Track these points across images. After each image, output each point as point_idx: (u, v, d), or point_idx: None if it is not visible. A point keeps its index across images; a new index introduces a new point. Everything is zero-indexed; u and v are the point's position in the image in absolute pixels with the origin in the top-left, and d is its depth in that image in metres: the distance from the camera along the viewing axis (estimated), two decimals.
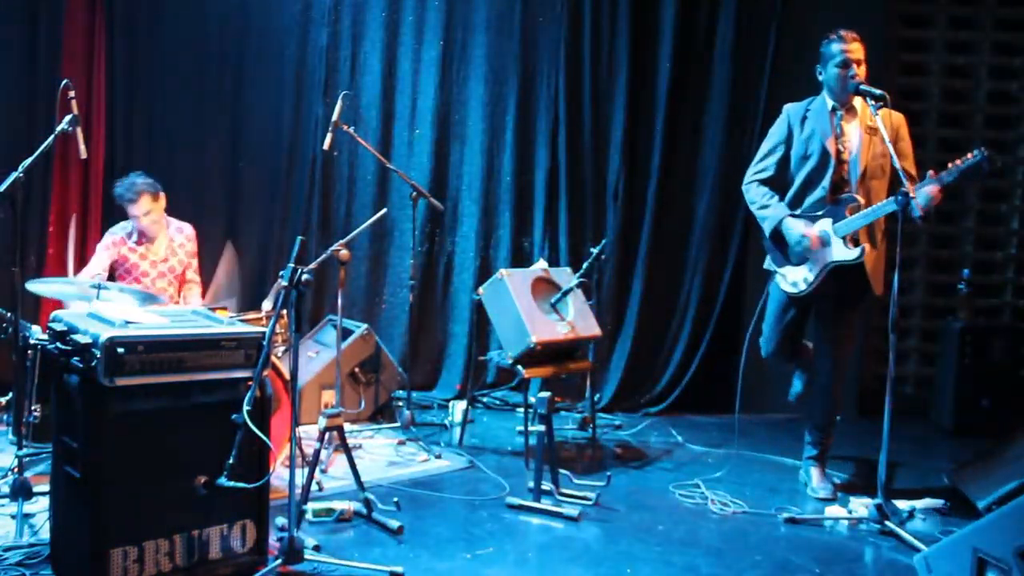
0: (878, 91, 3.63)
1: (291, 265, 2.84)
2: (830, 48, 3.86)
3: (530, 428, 4.43)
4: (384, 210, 4.80)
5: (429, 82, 5.89)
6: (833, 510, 3.81)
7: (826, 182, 3.86)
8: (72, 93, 3.52)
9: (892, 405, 3.56)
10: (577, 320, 4.66)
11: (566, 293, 4.65)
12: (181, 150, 5.66)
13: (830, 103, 3.91)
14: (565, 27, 5.79)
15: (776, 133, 4.04)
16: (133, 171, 4.69)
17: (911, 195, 3.46)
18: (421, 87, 5.91)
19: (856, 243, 3.81)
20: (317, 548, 3.13)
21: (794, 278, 3.97)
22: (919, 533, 3.53)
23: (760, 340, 4.23)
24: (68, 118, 3.48)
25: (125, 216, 4.70)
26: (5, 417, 4.11)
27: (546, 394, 3.79)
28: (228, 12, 5.73)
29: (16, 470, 3.33)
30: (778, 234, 3.95)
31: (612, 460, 4.65)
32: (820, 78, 3.94)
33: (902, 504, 3.80)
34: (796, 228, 3.87)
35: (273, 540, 2.99)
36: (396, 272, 5.95)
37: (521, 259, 5.83)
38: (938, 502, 3.89)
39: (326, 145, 4.62)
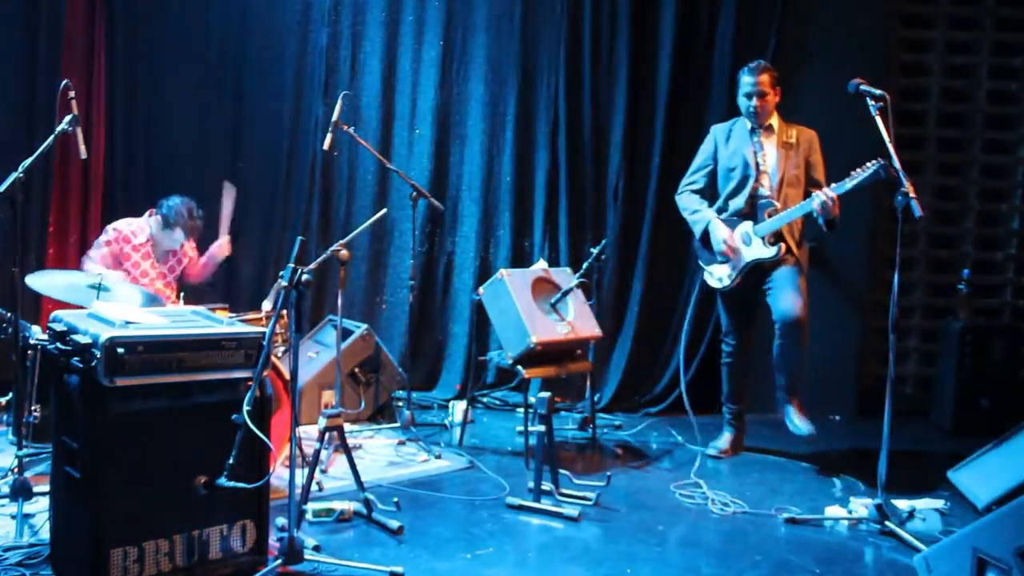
0: (878, 91, 3.63)
1: (291, 265, 2.83)
2: (739, 79, 4.47)
3: (530, 428, 4.43)
4: (384, 210, 4.80)
5: (429, 82, 5.89)
6: (833, 510, 3.81)
7: (748, 190, 4.44)
8: (72, 93, 3.52)
9: (892, 405, 3.57)
10: (577, 320, 4.66)
11: (566, 293, 4.65)
12: (181, 150, 5.66)
13: (749, 124, 4.49)
14: (565, 27, 5.79)
15: (704, 150, 4.65)
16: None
17: (911, 194, 3.48)
18: (421, 87, 5.91)
19: (773, 243, 4.35)
20: (317, 548, 3.13)
21: (719, 274, 4.54)
22: (919, 533, 3.53)
23: (722, 343, 4.74)
24: (68, 118, 3.48)
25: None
26: (5, 417, 4.11)
27: (546, 394, 3.79)
28: (228, 12, 5.73)
29: (16, 470, 3.33)
30: (705, 236, 4.53)
31: (612, 460, 4.65)
32: (739, 103, 4.48)
33: (902, 504, 3.80)
34: (719, 232, 4.45)
35: (273, 540, 2.99)
36: (396, 272, 5.94)
37: (521, 259, 5.83)
38: (938, 502, 3.89)
39: (326, 145, 4.62)
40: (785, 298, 4.31)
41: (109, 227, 4.62)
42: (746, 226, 4.42)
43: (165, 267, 4.67)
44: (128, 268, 4.57)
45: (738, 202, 4.46)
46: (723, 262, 4.49)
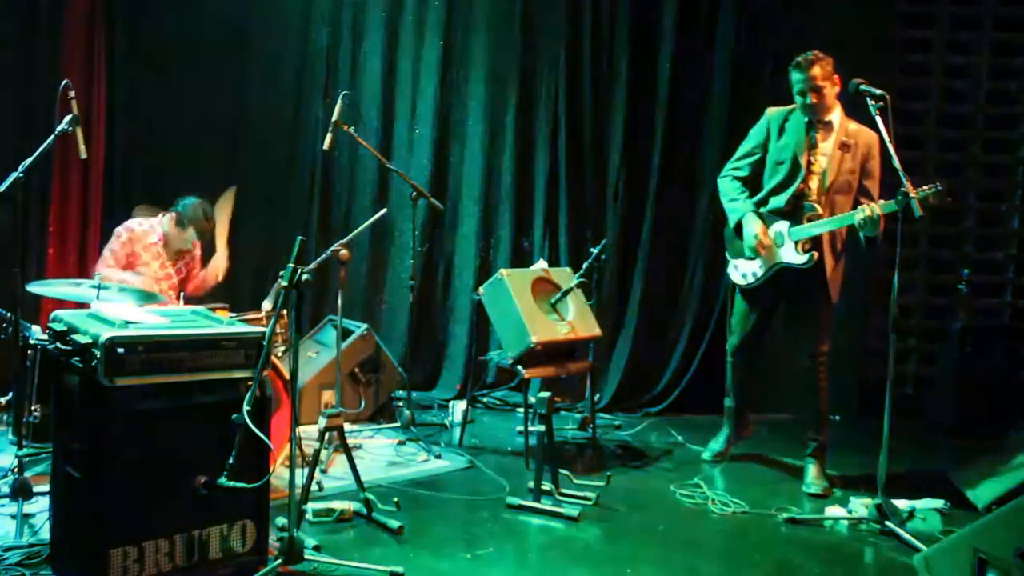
0: (878, 91, 3.63)
1: (291, 265, 2.83)
2: (790, 77, 4.08)
3: (530, 428, 4.43)
4: (384, 210, 4.80)
5: (429, 82, 5.90)
6: (833, 510, 3.81)
7: (793, 189, 4.09)
8: (72, 93, 3.52)
9: (892, 405, 3.56)
10: (577, 320, 4.66)
11: (566, 293, 4.65)
12: (181, 150, 5.66)
13: (806, 117, 4.09)
14: (565, 27, 5.79)
15: (755, 136, 4.30)
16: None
17: (912, 195, 3.47)
18: (421, 87, 5.91)
19: (807, 249, 4.04)
20: (317, 548, 3.13)
21: (744, 270, 4.30)
22: (919, 533, 3.53)
23: (728, 338, 4.53)
24: (68, 118, 3.48)
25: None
26: (5, 417, 4.10)
27: (546, 394, 3.79)
28: (228, 12, 5.73)
29: (16, 470, 3.33)
30: (740, 227, 4.23)
31: (612, 460, 4.65)
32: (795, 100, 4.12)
33: (902, 504, 3.80)
34: (754, 227, 4.14)
35: (273, 540, 2.99)
36: (396, 272, 5.95)
37: (521, 259, 5.83)
38: (938, 502, 3.89)
39: (326, 145, 4.62)
40: (810, 337, 4.16)
41: (122, 227, 4.57)
42: (782, 226, 4.10)
43: (173, 268, 4.65)
44: (139, 268, 4.55)
45: (780, 200, 4.13)
46: (751, 258, 4.23)
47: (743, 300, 4.39)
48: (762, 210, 4.20)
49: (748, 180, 4.31)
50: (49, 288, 3.88)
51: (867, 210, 3.76)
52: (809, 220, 4.05)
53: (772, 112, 4.25)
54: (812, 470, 4.21)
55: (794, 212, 4.10)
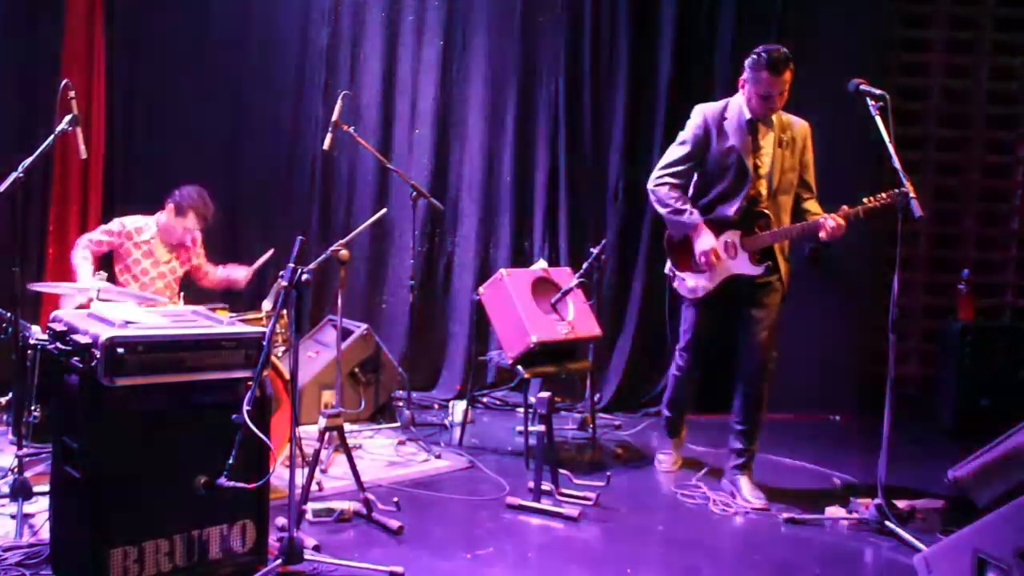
0: (878, 91, 3.63)
1: (291, 265, 2.84)
2: (758, 74, 3.76)
3: (530, 428, 4.43)
4: (384, 210, 4.80)
5: (429, 82, 5.89)
6: (833, 510, 3.81)
7: (742, 197, 3.88)
8: (72, 93, 3.51)
9: (892, 405, 3.56)
10: (577, 320, 4.66)
11: (566, 293, 4.65)
12: (181, 150, 5.65)
13: (747, 113, 3.87)
14: (565, 27, 5.80)
15: (692, 138, 3.97)
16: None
17: (911, 194, 3.47)
18: (421, 87, 5.91)
19: (760, 260, 3.89)
20: (317, 548, 3.13)
21: (692, 284, 4.03)
22: (919, 533, 3.53)
23: (677, 355, 4.26)
24: (68, 118, 3.48)
25: (125, 215, 4.70)
26: (5, 417, 4.10)
27: (546, 394, 3.79)
28: (228, 12, 5.72)
29: (16, 470, 3.33)
30: (686, 241, 3.96)
31: (612, 460, 4.65)
32: (741, 89, 3.88)
33: (902, 504, 3.79)
34: (707, 241, 3.87)
35: (273, 540, 2.99)
36: (396, 272, 5.95)
37: (521, 259, 5.83)
38: (938, 502, 3.89)
39: (326, 145, 4.62)
40: (759, 345, 3.92)
41: (116, 221, 4.58)
42: (733, 236, 3.91)
43: (167, 267, 4.64)
44: (128, 264, 4.55)
45: (729, 208, 3.90)
46: (700, 271, 3.98)
47: (692, 309, 4.11)
48: (707, 218, 3.94)
49: (686, 185, 4.03)
50: (51, 288, 3.89)
51: (832, 222, 3.66)
52: (760, 228, 3.88)
53: (707, 108, 3.97)
54: (747, 484, 3.97)
55: (744, 220, 3.90)
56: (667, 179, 4.00)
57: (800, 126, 3.96)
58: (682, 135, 4.02)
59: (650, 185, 4.06)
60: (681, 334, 4.20)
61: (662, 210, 4.01)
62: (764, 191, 3.89)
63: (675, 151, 4.02)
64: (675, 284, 4.13)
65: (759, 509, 3.85)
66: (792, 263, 4.08)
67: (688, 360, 4.19)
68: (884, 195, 3.56)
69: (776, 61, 3.73)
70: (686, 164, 3.99)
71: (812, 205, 3.99)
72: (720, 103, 3.98)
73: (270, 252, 4.72)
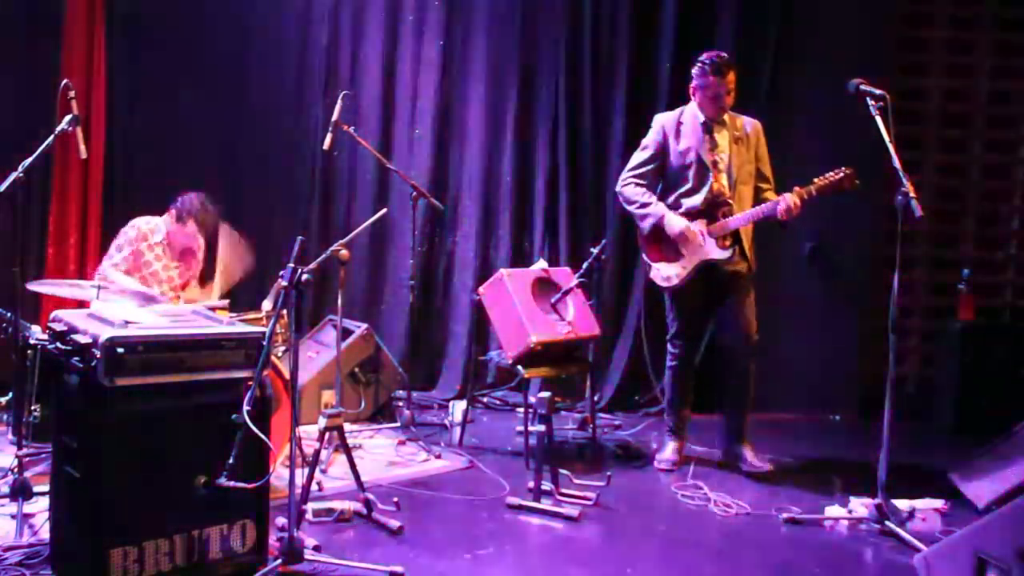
0: (878, 91, 3.63)
1: (291, 265, 2.84)
2: (705, 79, 4.23)
3: (530, 428, 4.43)
4: (384, 210, 4.80)
5: (429, 82, 5.89)
6: (833, 510, 3.81)
7: (705, 190, 4.25)
8: (72, 93, 3.52)
9: (892, 405, 3.56)
10: (577, 320, 4.66)
11: (566, 293, 4.65)
12: (181, 150, 5.66)
13: (702, 117, 4.29)
14: (565, 27, 5.79)
15: (652, 143, 4.39)
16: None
17: (911, 194, 3.47)
18: (421, 87, 5.91)
19: (728, 245, 4.23)
20: (317, 548, 3.13)
21: (667, 272, 4.34)
22: (919, 533, 3.53)
23: (669, 346, 4.48)
24: (68, 118, 3.48)
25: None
26: (5, 417, 4.10)
27: (546, 394, 3.79)
28: (228, 12, 5.73)
29: (16, 470, 3.33)
30: (656, 231, 4.30)
31: (612, 460, 4.65)
32: (693, 96, 4.32)
33: (902, 504, 3.79)
34: (677, 222, 4.25)
35: (273, 540, 2.99)
36: (396, 272, 5.94)
37: (521, 259, 5.83)
38: (938, 502, 3.88)
39: (326, 145, 4.62)
40: (742, 323, 4.29)
41: (130, 226, 4.50)
42: (699, 225, 4.25)
43: (176, 271, 4.60)
44: (139, 265, 4.52)
45: (694, 200, 4.26)
46: (673, 260, 4.30)
47: (676, 302, 4.41)
48: (675, 213, 4.29)
49: (650, 186, 4.39)
50: (51, 287, 3.88)
51: (787, 201, 4.03)
52: (724, 215, 4.23)
53: (664, 117, 4.42)
54: (749, 451, 4.37)
55: (709, 210, 4.26)
56: (631, 180, 4.41)
57: (752, 124, 4.38)
58: (644, 142, 4.44)
59: (617, 187, 4.46)
60: (669, 323, 4.48)
61: (629, 207, 4.41)
62: (725, 183, 4.27)
63: (638, 156, 4.44)
64: (651, 275, 4.42)
65: (766, 472, 4.28)
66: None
67: (681, 347, 4.44)
68: (832, 174, 3.96)
69: (719, 65, 4.21)
70: (648, 166, 4.38)
71: (770, 195, 4.30)
72: (675, 111, 4.41)
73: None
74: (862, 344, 5.78)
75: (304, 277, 2.84)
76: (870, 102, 3.66)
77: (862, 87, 3.71)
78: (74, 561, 2.76)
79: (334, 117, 4.55)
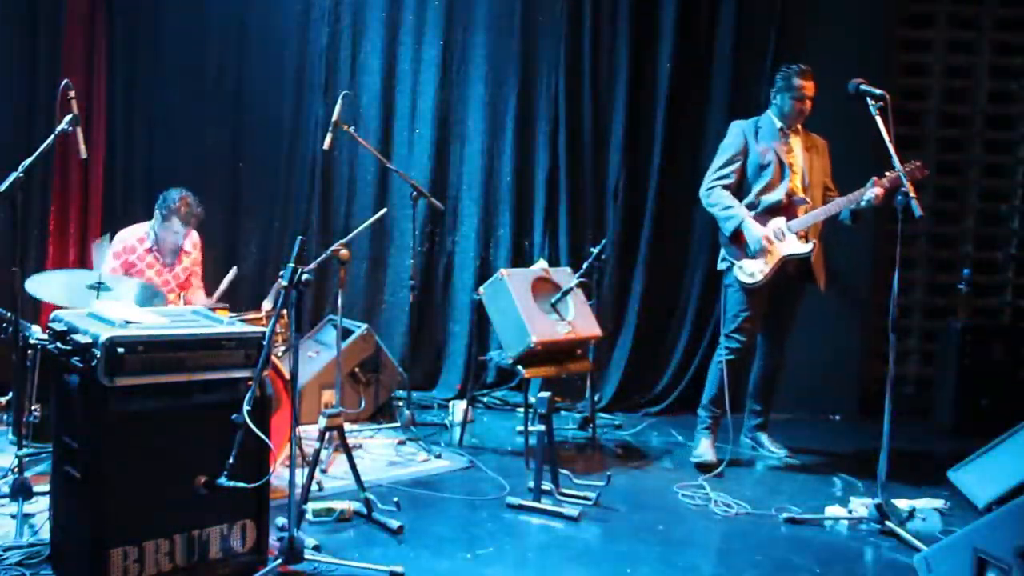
0: (878, 91, 3.64)
1: (291, 265, 2.84)
2: (791, 81, 4.44)
3: (530, 428, 4.43)
4: (384, 210, 4.80)
5: (429, 82, 5.89)
6: (833, 510, 3.81)
7: (783, 187, 4.42)
8: (72, 93, 3.51)
9: (892, 405, 3.56)
10: (577, 320, 4.66)
11: (566, 293, 4.65)
12: (181, 150, 5.66)
13: (778, 123, 4.50)
14: (565, 27, 5.79)
15: (732, 146, 4.55)
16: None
17: (911, 195, 3.49)
18: (421, 87, 5.91)
19: (807, 239, 4.38)
20: (317, 548, 3.13)
21: (751, 269, 4.43)
22: (919, 533, 3.53)
23: (728, 340, 4.50)
24: (68, 118, 3.48)
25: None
26: (5, 417, 4.10)
27: (546, 394, 3.79)
28: (228, 12, 5.72)
29: (16, 470, 3.33)
30: (737, 233, 4.44)
31: (612, 460, 4.65)
32: (774, 101, 4.52)
33: (902, 504, 3.80)
34: (756, 229, 4.39)
35: (273, 540, 2.99)
36: (396, 272, 5.94)
37: (521, 259, 5.83)
38: (938, 502, 3.89)
39: (326, 145, 4.62)
40: (784, 331, 4.68)
41: (116, 240, 4.50)
42: (779, 222, 4.38)
43: (170, 274, 4.60)
44: (133, 275, 4.52)
45: (773, 197, 4.42)
46: (755, 257, 4.41)
47: (750, 299, 4.46)
48: (754, 212, 4.45)
49: (733, 187, 4.54)
50: (44, 287, 3.87)
51: (877, 189, 4.11)
52: (803, 212, 4.39)
53: (743, 124, 4.58)
54: (767, 439, 4.77)
55: (788, 207, 4.42)
56: (716, 183, 4.55)
57: (821, 139, 4.61)
58: (723, 146, 4.59)
59: (702, 191, 4.59)
60: (731, 319, 4.52)
61: (713, 210, 4.55)
62: (799, 184, 4.47)
63: (719, 160, 4.58)
64: (735, 273, 4.48)
65: (784, 457, 4.65)
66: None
67: (743, 341, 4.50)
68: (907, 165, 3.85)
69: (806, 72, 4.44)
70: (730, 167, 4.53)
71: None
72: (751, 119, 4.59)
73: (233, 270, 4.61)
74: (862, 344, 5.79)
75: (304, 277, 2.84)
76: (870, 102, 3.67)
77: (862, 87, 3.72)
78: (74, 561, 2.77)
79: (334, 117, 4.55)
